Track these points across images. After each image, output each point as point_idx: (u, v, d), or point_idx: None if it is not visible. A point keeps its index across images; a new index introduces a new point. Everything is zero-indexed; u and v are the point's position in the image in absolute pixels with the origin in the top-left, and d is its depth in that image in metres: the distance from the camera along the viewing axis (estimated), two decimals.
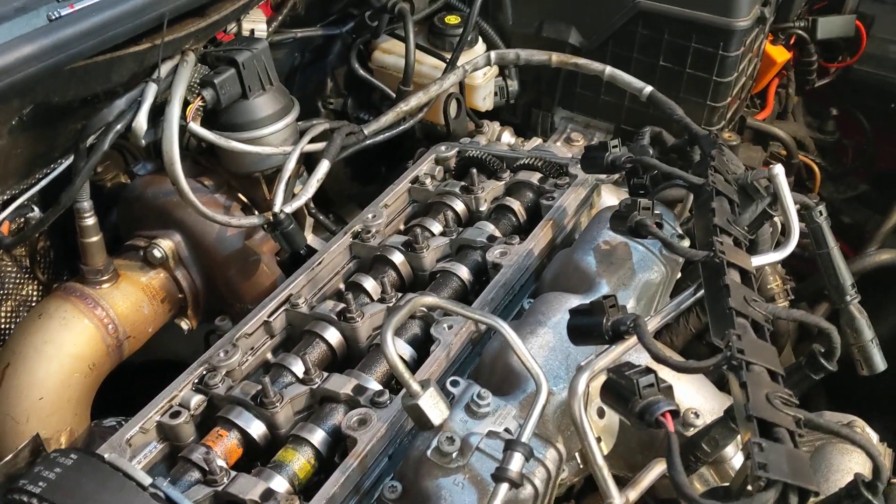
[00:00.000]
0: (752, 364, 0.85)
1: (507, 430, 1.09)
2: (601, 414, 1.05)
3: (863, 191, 2.61)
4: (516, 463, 0.92)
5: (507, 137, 2.19)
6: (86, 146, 1.40)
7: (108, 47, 1.32)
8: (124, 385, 1.68)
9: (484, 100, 2.16)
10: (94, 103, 1.40)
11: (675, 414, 0.83)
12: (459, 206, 1.69)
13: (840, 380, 1.49)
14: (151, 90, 1.40)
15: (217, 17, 1.48)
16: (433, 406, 0.95)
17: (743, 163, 2.22)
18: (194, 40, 1.49)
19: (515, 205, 1.66)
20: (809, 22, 2.45)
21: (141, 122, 1.39)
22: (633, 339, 0.96)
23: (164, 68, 1.45)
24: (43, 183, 1.46)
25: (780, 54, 2.37)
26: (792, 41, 2.50)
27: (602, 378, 0.94)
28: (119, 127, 1.39)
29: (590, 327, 1.01)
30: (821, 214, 1.28)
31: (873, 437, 1.30)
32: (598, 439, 0.95)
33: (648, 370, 0.87)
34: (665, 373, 0.92)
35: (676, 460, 0.77)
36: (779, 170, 1.19)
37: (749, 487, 0.79)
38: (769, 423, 0.78)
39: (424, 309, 1.34)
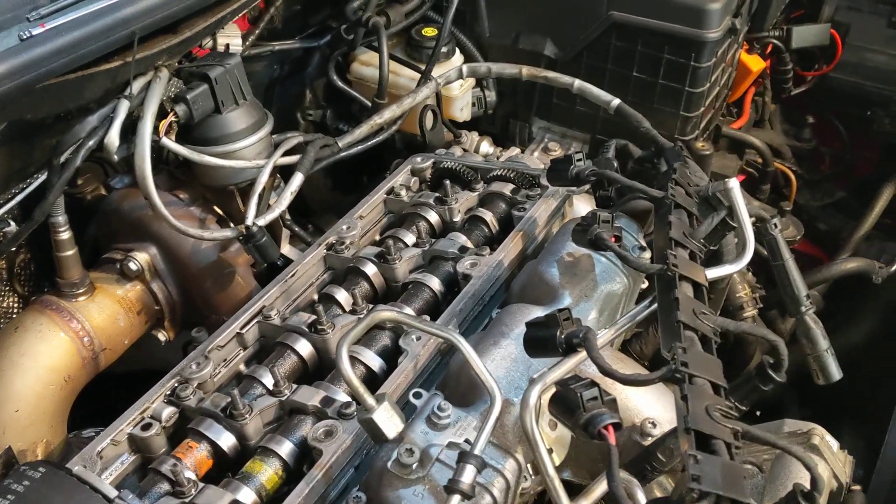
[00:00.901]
0: (694, 377, 0.88)
1: (467, 440, 1.11)
2: (553, 426, 1.07)
3: (840, 198, 2.64)
4: (468, 475, 0.94)
5: (486, 147, 2.22)
6: (59, 162, 1.42)
7: (80, 65, 1.33)
8: (108, 396, 1.70)
9: (461, 111, 2.18)
10: (67, 119, 1.42)
11: (617, 426, 0.85)
12: (433, 217, 1.71)
13: (812, 386, 1.52)
14: (123, 106, 1.43)
15: (189, 33, 1.50)
16: (387, 420, 0.97)
17: (718, 171, 2.27)
18: (167, 56, 1.51)
19: (488, 216, 1.69)
20: (784, 31, 2.48)
21: (113, 138, 1.41)
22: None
23: (137, 84, 1.47)
24: (19, 198, 1.47)
25: (756, 63, 2.40)
26: (768, 50, 2.53)
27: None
28: (91, 143, 1.41)
29: (544, 340, 1.04)
30: (776, 227, 1.30)
31: (833, 444, 1.32)
32: (550, 450, 0.97)
33: (593, 383, 0.89)
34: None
35: (615, 472, 0.79)
36: (734, 183, 1.22)
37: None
38: (707, 435, 0.80)
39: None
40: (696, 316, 0.98)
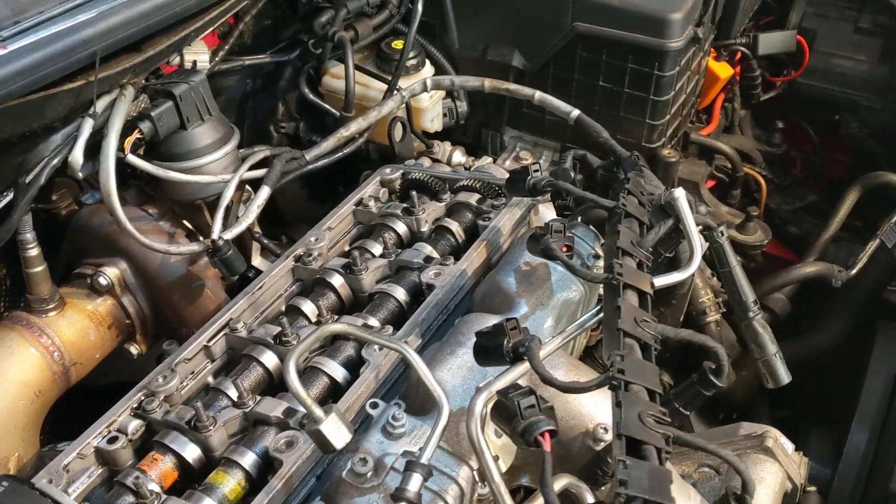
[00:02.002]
0: (630, 384, 0.90)
1: (421, 449, 1.13)
2: (499, 434, 1.09)
3: (811, 201, 2.67)
4: (414, 483, 0.96)
5: (459, 157, 2.24)
6: (25, 181, 1.44)
7: (43, 85, 1.36)
8: (84, 409, 1.72)
9: (432, 121, 2.21)
10: (31, 139, 1.44)
11: (553, 434, 0.87)
12: (401, 228, 1.74)
13: (781, 390, 1.55)
14: (87, 125, 1.45)
15: (153, 51, 1.52)
16: (334, 431, 0.99)
17: (687, 178, 2.30)
18: (132, 74, 1.53)
19: (454, 226, 1.71)
20: (751, 38, 2.52)
21: (77, 156, 1.43)
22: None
23: (101, 103, 1.49)
24: None
25: (724, 70, 2.44)
26: (736, 57, 2.57)
27: None
28: (56, 161, 1.43)
29: (492, 349, 1.06)
30: (722, 235, 1.33)
31: (788, 447, 1.34)
32: (496, 457, 0.99)
33: (531, 392, 0.92)
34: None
35: (548, 479, 0.82)
36: (679, 193, 1.24)
37: None
38: (637, 441, 0.83)
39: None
40: (638, 324, 1.01)
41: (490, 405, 0.99)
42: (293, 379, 0.97)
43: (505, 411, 0.92)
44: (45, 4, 1.45)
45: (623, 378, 0.90)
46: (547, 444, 0.86)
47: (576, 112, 1.69)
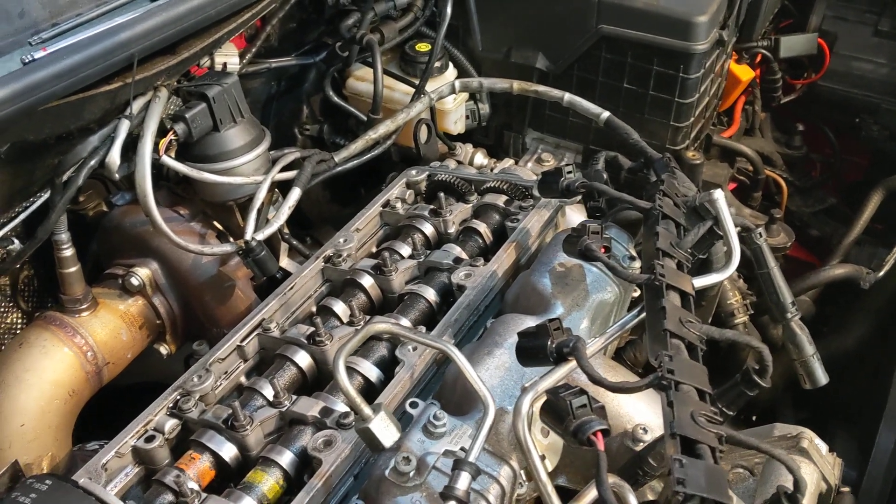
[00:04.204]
0: (680, 384, 0.91)
1: (462, 448, 1.14)
2: (545, 433, 1.10)
3: (831, 204, 2.68)
4: (463, 482, 0.97)
5: (480, 159, 2.25)
6: (62, 181, 1.45)
7: (81, 87, 1.37)
8: (112, 407, 1.73)
9: (455, 123, 2.22)
10: (68, 140, 1.45)
11: (605, 433, 0.88)
12: (428, 229, 1.75)
13: (806, 390, 1.55)
14: (124, 126, 1.46)
15: (187, 53, 1.53)
16: (384, 429, 1.00)
17: (709, 179, 2.30)
18: (166, 76, 1.54)
19: (482, 227, 1.72)
20: (772, 41, 2.52)
21: (114, 157, 1.44)
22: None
23: (137, 104, 1.50)
24: (22, 216, 1.51)
25: (745, 73, 2.44)
26: (757, 60, 2.57)
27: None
28: (93, 163, 1.44)
29: (536, 350, 1.07)
30: (760, 236, 1.33)
31: (822, 447, 1.35)
32: (543, 457, 1.00)
33: (582, 391, 0.92)
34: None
35: (604, 477, 0.82)
36: (719, 194, 1.25)
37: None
38: (692, 440, 0.84)
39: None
40: (683, 324, 1.01)
41: (536, 405, 0.99)
42: (343, 377, 0.98)
43: (556, 411, 0.92)
44: (82, 6, 1.47)
45: (673, 378, 0.91)
46: (600, 444, 0.87)
47: (606, 114, 1.70)
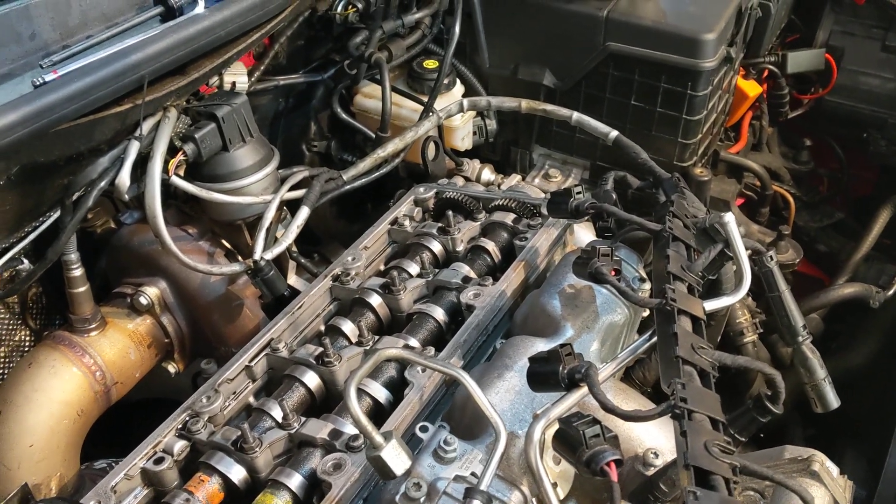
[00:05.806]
0: (693, 412, 0.90)
1: (473, 473, 1.13)
2: (557, 461, 1.09)
3: (838, 219, 2.67)
4: None
5: (488, 175, 2.25)
6: (71, 202, 1.46)
7: (92, 110, 1.37)
8: (121, 422, 1.73)
9: (462, 140, 2.22)
10: (78, 161, 1.46)
11: (618, 463, 0.87)
12: (437, 248, 1.74)
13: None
14: (134, 147, 1.46)
15: (197, 74, 1.54)
16: (395, 457, 1.00)
17: (717, 196, 2.30)
18: (175, 97, 1.55)
19: (490, 245, 1.72)
20: (780, 57, 2.52)
21: (124, 178, 1.45)
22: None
23: (147, 125, 1.51)
24: (32, 237, 1.51)
25: (752, 88, 2.44)
26: (764, 75, 2.57)
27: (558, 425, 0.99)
28: (103, 184, 1.44)
29: (547, 375, 1.06)
30: (771, 259, 1.33)
31: (833, 470, 1.33)
32: (555, 485, 0.99)
33: (595, 421, 0.92)
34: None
35: None
36: (729, 217, 1.24)
37: None
38: (705, 471, 0.83)
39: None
40: (695, 351, 1.01)
41: (548, 432, 0.99)
42: (354, 405, 0.98)
43: (569, 440, 0.92)
44: (93, 28, 1.48)
45: (686, 407, 0.90)
46: (614, 474, 0.86)
47: (614, 133, 1.70)
